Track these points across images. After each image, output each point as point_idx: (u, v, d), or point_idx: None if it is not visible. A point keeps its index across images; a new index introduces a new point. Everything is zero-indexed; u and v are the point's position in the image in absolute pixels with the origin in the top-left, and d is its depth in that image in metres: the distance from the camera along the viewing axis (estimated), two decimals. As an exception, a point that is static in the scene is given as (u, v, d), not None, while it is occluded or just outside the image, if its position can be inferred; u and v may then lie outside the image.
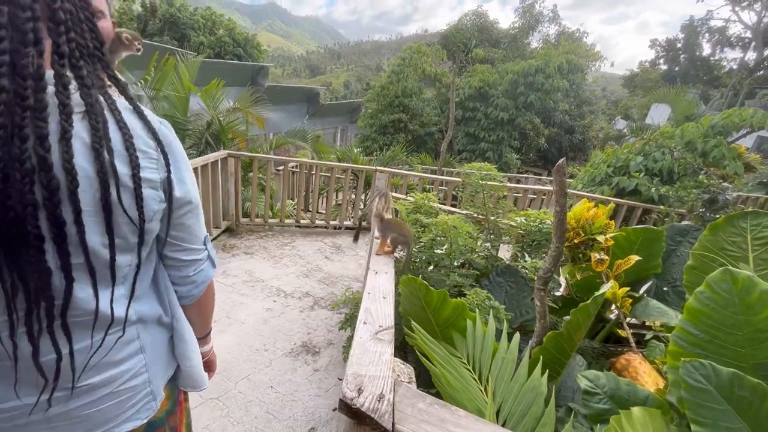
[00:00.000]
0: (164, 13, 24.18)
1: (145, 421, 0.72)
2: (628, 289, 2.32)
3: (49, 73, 0.52)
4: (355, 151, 8.08)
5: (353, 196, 5.48)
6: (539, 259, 2.52)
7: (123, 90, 0.62)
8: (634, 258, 2.36)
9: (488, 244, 2.56)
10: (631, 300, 2.28)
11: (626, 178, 5.14)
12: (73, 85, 0.54)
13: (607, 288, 1.82)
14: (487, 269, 2.41)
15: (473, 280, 2.21)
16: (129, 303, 0.65)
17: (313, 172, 4.86)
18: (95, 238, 0.56)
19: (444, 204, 5.20)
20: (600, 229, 2.48)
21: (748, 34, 21.38)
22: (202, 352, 0.86)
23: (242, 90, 6.87)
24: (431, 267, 2.30)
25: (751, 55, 21.44)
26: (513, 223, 2.70)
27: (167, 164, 0.63)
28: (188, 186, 0.68)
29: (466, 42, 13.59)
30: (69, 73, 0.53)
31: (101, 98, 0.57)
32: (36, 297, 0.53)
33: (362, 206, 5.35)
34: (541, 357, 1.35)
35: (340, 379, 2.14)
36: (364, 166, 5.09)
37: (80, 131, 0.54)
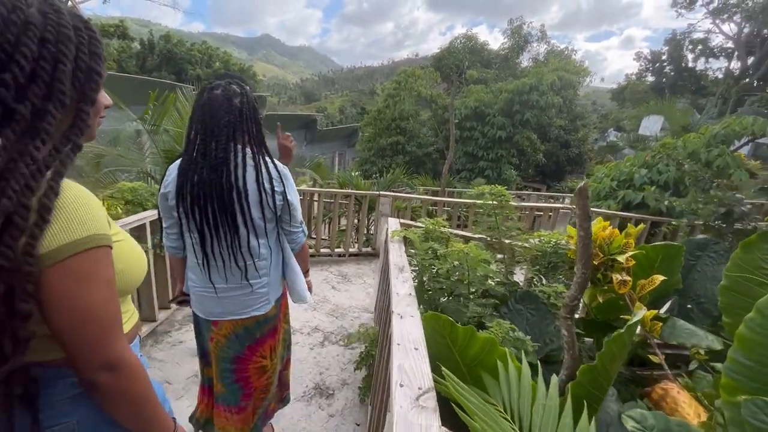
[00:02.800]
0: (162, 49, 24.79)
1: (262, 313, 1.38)
2: (656, 311, 2.22)
3: (239, 147, 1.24)
4: (354, 174, 8.06)
5: (356, 221, 5.41)
6: (558, 283, 2.42)
7: (268, 154, 1.32)
8: (659, 278, 2.26)
9: (503, 269, 2.46)
10: (660, 323, 2.17)
11: (632, 191, 5.09)
12: (249, 153, 1.26)
13: (641, 315, 1.71)
14: (505, 296, 2.31)
15: (492, 309, 2.10)
16: (267, 246, 1.34)
17: (315, 199, 4.81)
18: (256, 214, 1.26)
19: (449, 224, 5.13)
20: (619, 249, 2.39)
21: (731, 44, 21.91)
22: (307, 280, 1.57)
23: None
24: (446, 297, 2.20)
25: (735, 64, 21.92)
26: (527, 245, 2.62)
27: (284, 185, 1.30)
28: (292, 196, 1.34)
29: (459, 64, 13.88)
30: (247, 148, 1.26)
31: (260, 159, 1.27)
32: (233, 239, 1.25)
33: (366, 231, 5.27)
34: (585, 403, 1.23)
35: (358, 425, 2.00)
36: (367, 191, 5.04)
37: (251, 172, 1.24)
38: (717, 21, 21.94)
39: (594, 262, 2.39)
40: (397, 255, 1.84)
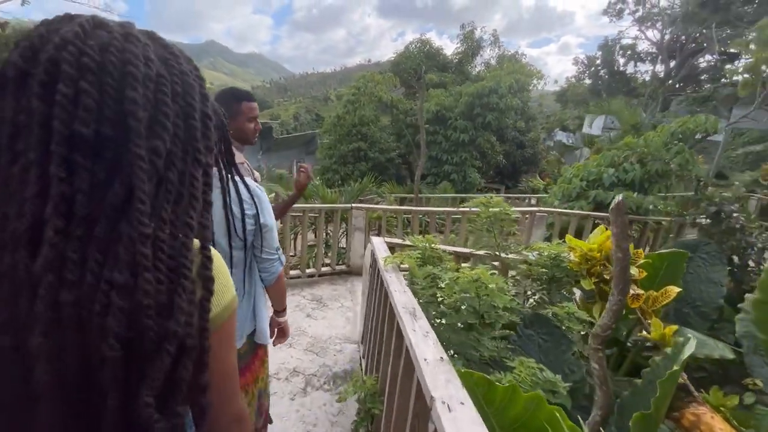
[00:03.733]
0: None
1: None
2: (676, 327, 2.06)
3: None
4: (317, 181, 7.65)
5: (325, 234, 5.01)
6: (566, 301, 2.21)
7: (238, 173, 0.95)
8: (674, 290, 2.10)
9: (511, 289, 2.21)
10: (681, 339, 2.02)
11: (602, 191, 5.12)
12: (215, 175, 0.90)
13: (692, 349, 1.49)
14: (513, 322, 2.05)
15: (506, 342, 1.83)
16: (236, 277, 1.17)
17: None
18: (223, 242, 1.04)
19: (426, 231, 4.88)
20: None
21: (655, 50, 23.94)
22: (279, 321, 1.46)
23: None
24: (453, 332, 1.90)
25: (660, 68, 23.96)
26: (527, 261, 2.39)
27: (257, 207, 1.20)
28: (266, 218, 1.23)
29: (417, 68, 13.85)
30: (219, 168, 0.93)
31: (228, 179, 0.90)
32: None
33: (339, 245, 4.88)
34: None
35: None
36: (337, 204, 4.67)
37: (217, 196, 0.87)
38: (642, 28, 23.91)
39: (606, 275, 2.20)
40: (400, 292, 1.51)
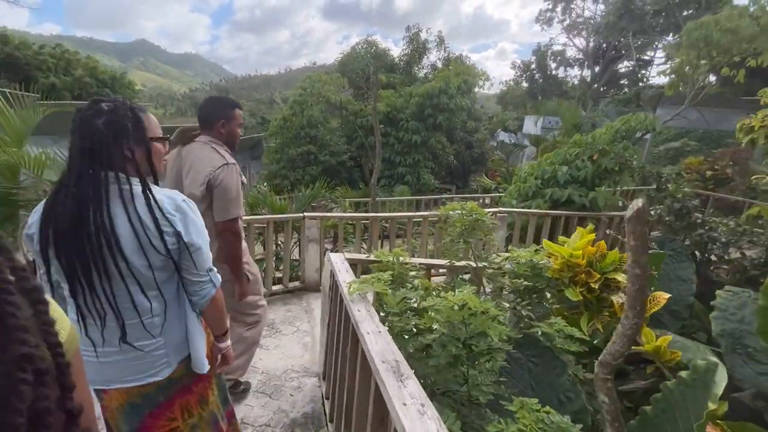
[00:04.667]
0: (-2, 53, 19.94)
1: (162, 378, 1.13)
2: (670, 338, 1.91)
3: (122, 179, 1.03)
4: (263, 187, 7.10)
5: (275, 246, 4.52)
6: (546, 314, 2.00)
7: (154, 183, 1.09)
8: (663, 296, 1.96)
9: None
10: (680, 352, 1.87)
11: (558, 189, 5.14)
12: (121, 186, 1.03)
13: (724, 381, 1.29)
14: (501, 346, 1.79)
15: (496, 375, 1.55)
16: (157, 299, 1.09)
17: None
18: (138, 261, 1.02)
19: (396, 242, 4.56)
20: (614, 265, 2.06)
21: (582, 56, 25.95)
22: (221, 346, 1.30)
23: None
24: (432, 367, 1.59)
25: (586, 72, 26.02)
26: (506, 271, 2.16)
27: (180, 224, 1.07)
28: (193, 236, 1.09)
29: (365, 69, 13.58)
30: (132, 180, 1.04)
31: (137, 191, 1.03)
32: (108, 292, 1.01)
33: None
34: None
35: None
36: (288, 213, 4.20)
37: (121, 210, 1.01)
38: (570, 36, 25.82)
39: (592, 284, 2.02)
40: (374, 334, 1.16)
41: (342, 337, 1.61)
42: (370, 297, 1.58)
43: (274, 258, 4.11)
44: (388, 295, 1.51)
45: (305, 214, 4.00)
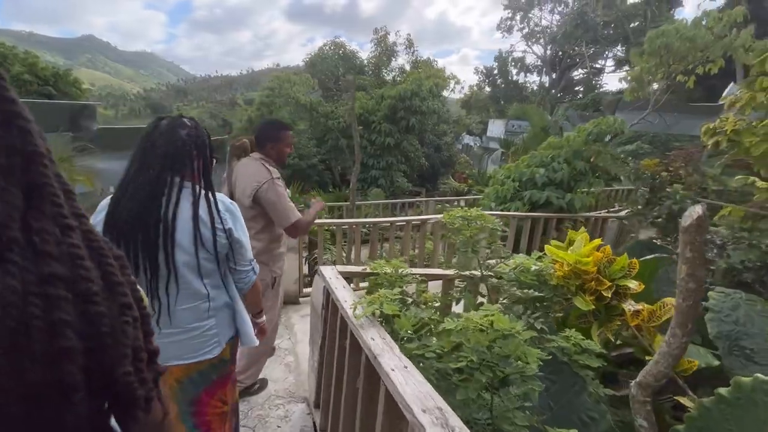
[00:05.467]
0: None
1: (215, 356, 1.30)
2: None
3: (187, 183, 1.21)
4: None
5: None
6: (566, 328, 1.89)
7: (212, 190, 1.27)
8: (672, 302, 1.91)
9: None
10: (696, 361, 1.81)
11: (536, 191, 5.17)
12: (189, 188, 1.21)
13: None
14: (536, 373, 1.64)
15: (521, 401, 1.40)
16: (211, 287, 1.26)
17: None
18: (197, 253, 1.19)
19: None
20: (623, 272, 1.98)
21: (540, 63, 27.14)
22: (258, 322, 1.52)
23: (59, 137, 4.91)
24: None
25: (545, 79, 27.26)
26: (518, 279, 2.03)
27: (231, 222, 1.25)
28: (240, 233, 1.28)
29: (334, 70, 13.30)
30: (189, 182, 1.22)
31: (201, 193, 1.22)
32: (170, 278, 1.18)
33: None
34: None
35: None
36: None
37: (187, 207, 1.18)
38: (529, 44, 26.95)
39: (603, 292, 1.92)
40: (399, 370, 0.97)
41: (349, 367, 1.40)
42: (378, 323, 1.38)
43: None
44: (405, 321, 1.32)
45: (282, 221, 3.72)
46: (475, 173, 11.83)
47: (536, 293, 1.89)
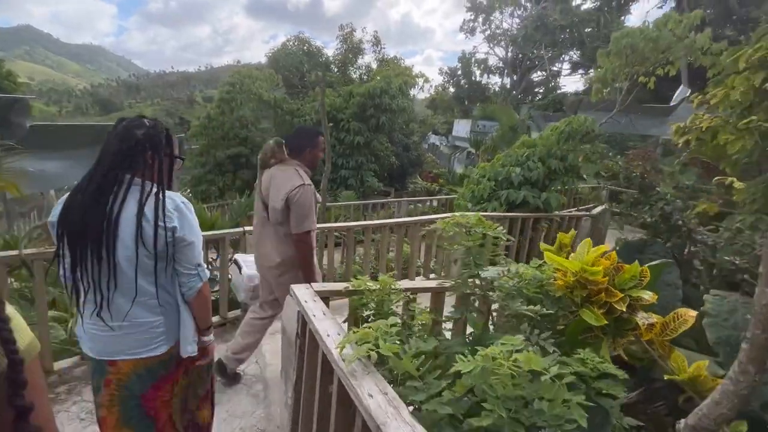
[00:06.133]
0: None
1: (161, 353, 1.31)
2: (707, 363, 1.69)
3: (138, 181, 1.23)
4: (185, 192, 6.15)
5: (209, 266, 3.75)
6: (579, 348, 1.69)
7: (167, 188, 1.29)
8: (691, 314, 1.75)
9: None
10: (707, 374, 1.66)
11: (513, 190, 5.06)
12: (139, 185, 1.23)
13: None
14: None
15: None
16: (156, 284, 1.26)
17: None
18: (139, 250, 1.20)
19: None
20: (633, 282, 1.81)
21: (502, 64, 27.87)
22: (204, 340, 1.42)
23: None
24: None
25: (506, 80, 28.01)
26: (509, 291, 1.80)
27: (179, 220, 1.24)
28: (186, 232, 1.26)
29: (298, 66, 12.78)
30: (143, 180, 1.24)
31: (151, 191, 1.23)
32: (111, 274, 1.19)
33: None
34: None
35: None
36: (225, 230, 3.45)
37: (132, 204, 1.20)
38: (491, 45, 27.59)
39: (615, 303, 1.74)
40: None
41: (336, 423, 1.10)
42: (372, 364, 1.09)
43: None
44: (407, 362, 1.03)
45: (245, 228, 3.34)
46: (445, 172, 11.77)
47: (544, 309, 1.68)
